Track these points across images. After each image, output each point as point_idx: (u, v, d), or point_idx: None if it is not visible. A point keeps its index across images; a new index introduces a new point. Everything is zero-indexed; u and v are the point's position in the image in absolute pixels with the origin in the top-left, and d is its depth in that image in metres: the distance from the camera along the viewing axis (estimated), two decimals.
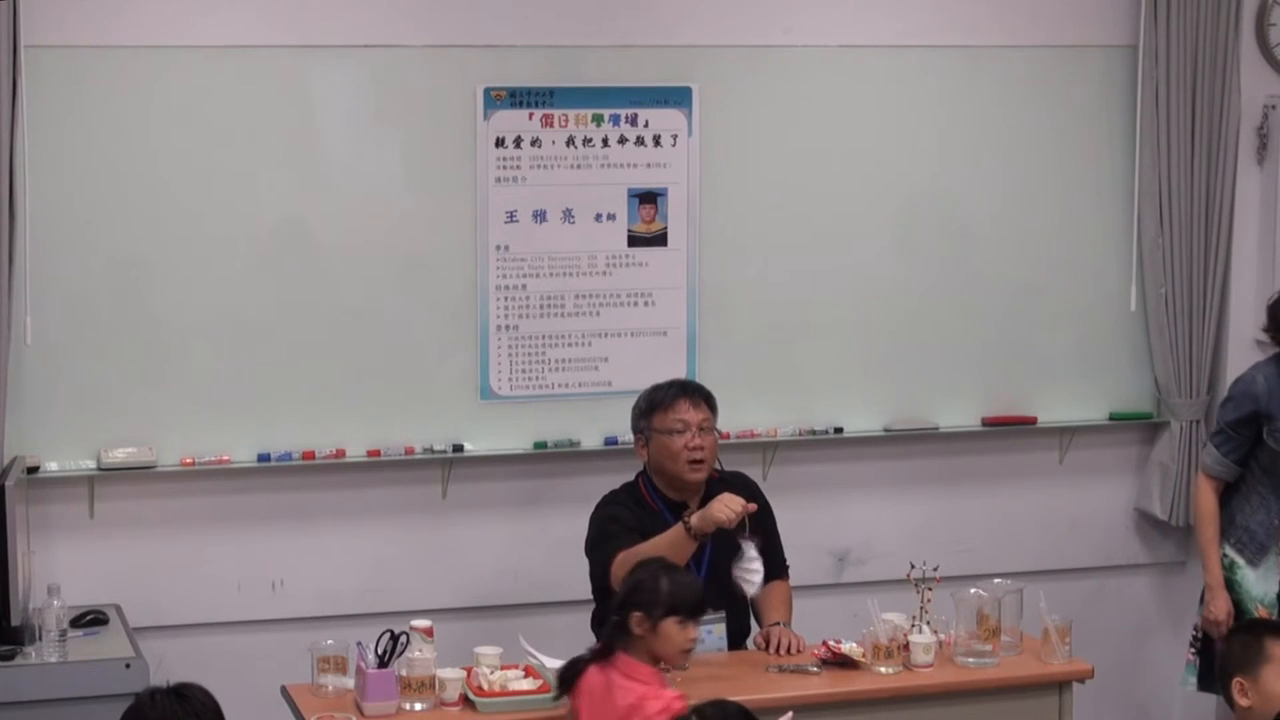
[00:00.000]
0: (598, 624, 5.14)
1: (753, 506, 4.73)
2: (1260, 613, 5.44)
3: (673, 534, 4.76)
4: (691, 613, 4.39)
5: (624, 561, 4.76)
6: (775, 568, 5.15)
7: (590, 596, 5.16)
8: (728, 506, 4.67)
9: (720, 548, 4.89)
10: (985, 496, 6.21)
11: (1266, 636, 4.09)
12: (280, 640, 5.42)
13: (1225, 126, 6.10)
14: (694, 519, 4.70)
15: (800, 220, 5.89)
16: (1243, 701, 4.03)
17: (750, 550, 4.77)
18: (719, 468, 5.13)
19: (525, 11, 5.62)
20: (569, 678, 4.43)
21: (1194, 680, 5.62)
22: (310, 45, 5.45)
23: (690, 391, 5.08)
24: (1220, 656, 4.17)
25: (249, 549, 5.55)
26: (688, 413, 5.01)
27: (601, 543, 4.94)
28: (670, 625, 4.36)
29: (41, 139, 5.21)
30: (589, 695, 4.38)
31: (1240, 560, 5.49)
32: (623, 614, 4.38)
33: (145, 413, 5.39)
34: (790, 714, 4.18)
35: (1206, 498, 5.56)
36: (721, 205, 5.81)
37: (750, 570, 4.76)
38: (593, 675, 4.39)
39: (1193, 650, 5.63)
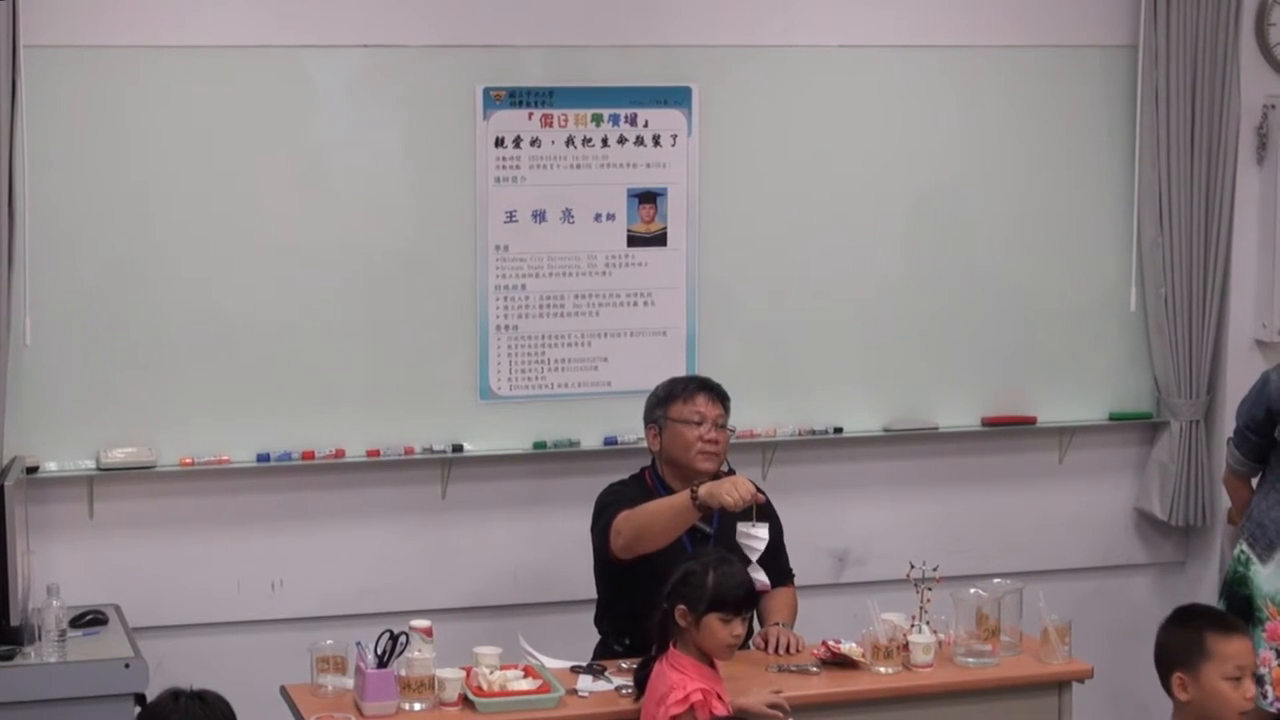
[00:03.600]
0: (601, 619, 5.16)
1: (761, 498, 4.75)
2: (1270, 611, 5.44)
3: (678, 499, 4.80)
4: (736, 609, 4.37)
5: (626, 519, 4.86)
6: (781, 575, 5.17)
7: (591, 596, 5.18)
8: (736, 489, 4.69)
9: (725, 531, 4.92)
10: (985, 496, 6.21)
11: (1207, 631, 4.03)
12: (280, 640, 5.41)
13: (1225, 126, 6.10)
14: (703, 490, 4.73)
15: (800, 220, 5.89)
16: (1182, 696, 3.99)
17: (759, 526, 4.87)
18: (729, 469, 5.14)
19: (525, 11, 5.62)
20: (641, 679, 4.46)
21: None
22: (310, 45, 5.45)
23: (710, 387, 5.12)
24: (1158, 646, 4.10)
25: (249, 549, 5.55)
26: (706, 406, 5.06)
27: (603, 514, 5.00)
28: (713, 621, 4.35)
29: (41, 139, 5.21)
30: (649, 690, 4.40)
31: (1253, 555, 5.49)
32: (669, 605, 4.37)
33: (145, 413, 5.39)
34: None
35: (1236, 491, 5.68)
36: (721, 205, 5.81)
37: (754, 537, 4.85)
38: (654, 671, 4.41)
39: None
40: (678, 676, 4.32)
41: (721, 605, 4.34)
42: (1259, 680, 5.44)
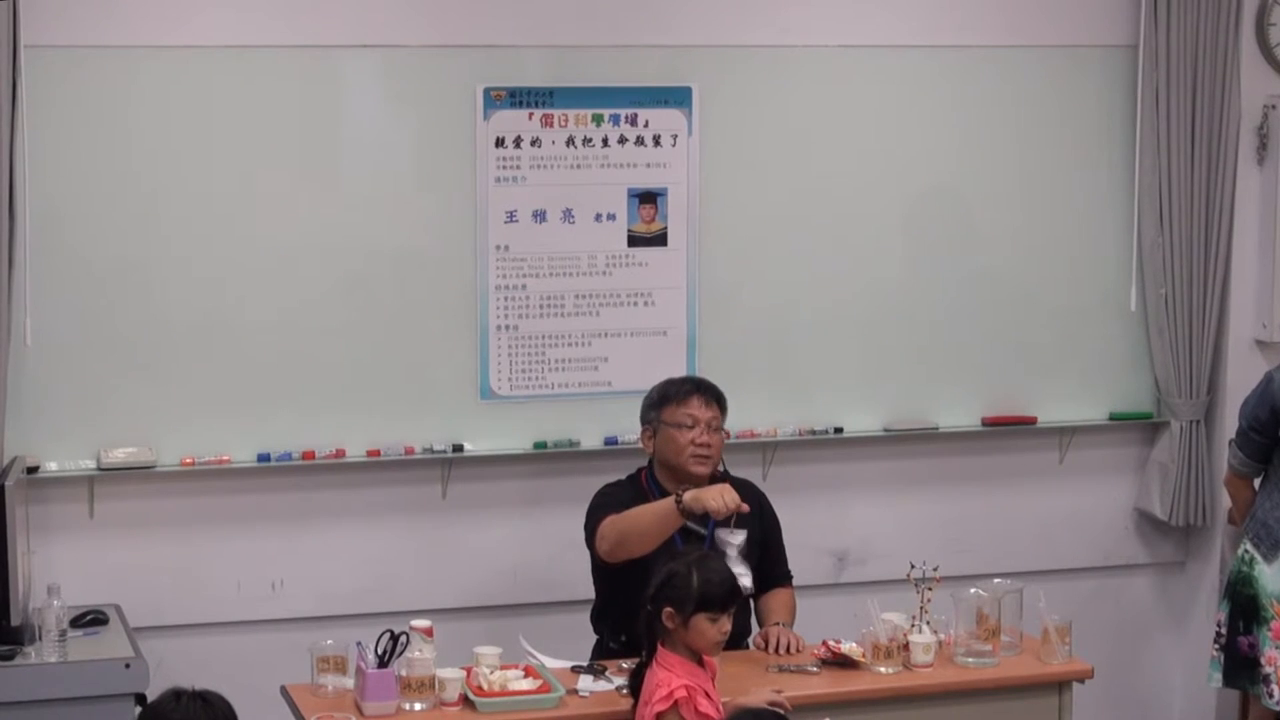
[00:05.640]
0: (597, 619, 5.15)
1: (745, 508, 4.76)
2: (1276, 610, 5.45)
3: (662, 505, 4.81)
4: (723, 606, 4.36)
5: (611, 524, 4.87)
6: (779, 575, 5.18)
7: (592, 596, 5.18)
8: (722, 496, 4.70)
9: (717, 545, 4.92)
10: (985, 496, 6.21)
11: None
12: (280, 640, 5.42)
13: (1225, 126, 6.10)
14: (687, 495, 4.74)
15: (800, 220, 5.89)
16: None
17: (736, 533, 4.91)
18: (724, 469, 5.15)
19: (525, 11, 5.62)
20: (634, 686, 4.45)
21: (1219, 676, 5.61)
22: (310, 45, 5.45)
23: (704, 389, 5.10)
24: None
25: (249, 549, 5.55)
26: (699, 409, 5.04)
27: (592, 516, 5.00)
28: (701, 620, 4.34)
29: (41, 139, 5.21)
30: (643, 694, 4.39)
31: (1257, 555, 5.49)
32: (655, 607, 4.37)
33: (145, 413, 5.39)
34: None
35: (1239, 492, 5.70)
36: (721, 205, 5.81)
37: (730, 539, 4.89)
38: (646, 675, 4.40)
39: (1216, 646, 5.61)
40: (664, 674, 4.32)
41: (709, 604, 4.34)
42: (1266, 679, 5.45)
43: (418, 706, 4.51)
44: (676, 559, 4.46)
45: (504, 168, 5.62)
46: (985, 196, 6.07)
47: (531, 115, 5.62)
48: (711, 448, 5.03)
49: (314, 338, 5.52)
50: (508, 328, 5.68)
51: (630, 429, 5.55)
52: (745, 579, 4.93)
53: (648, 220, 5.76)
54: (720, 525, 4.89)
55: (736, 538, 4.96)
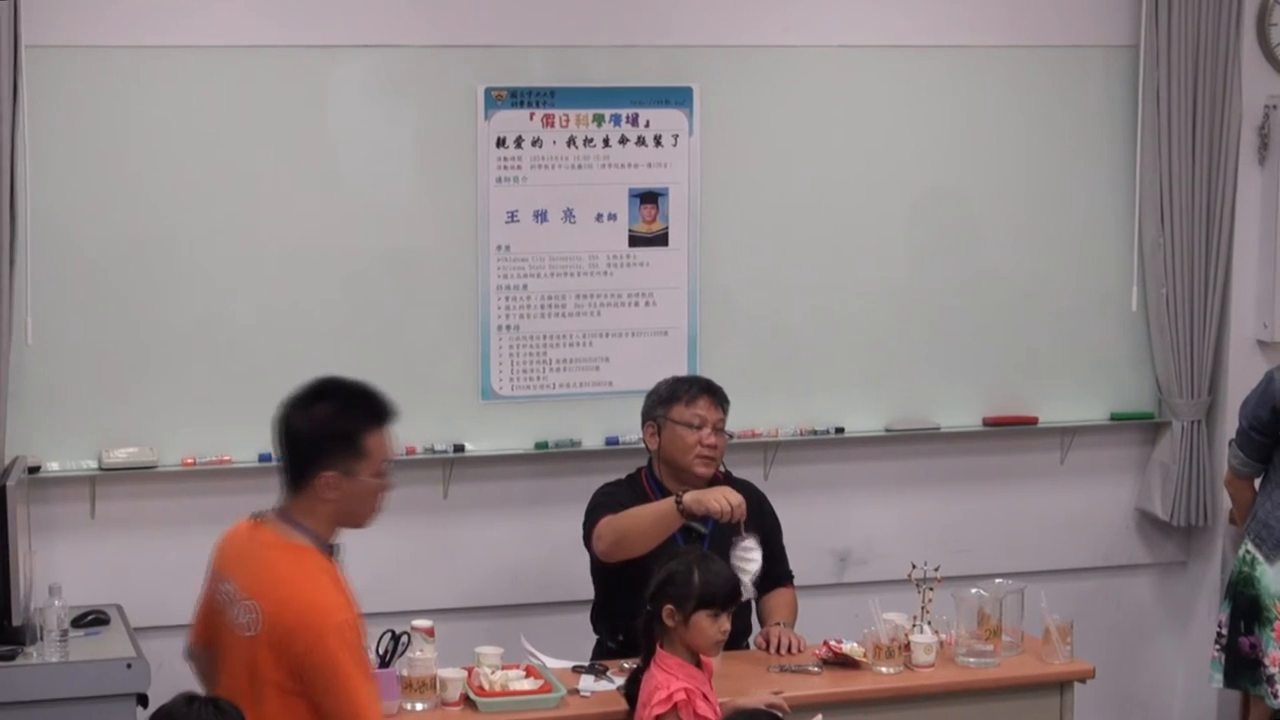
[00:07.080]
0: (597, 618, 5.15)
1: (743, 514, 4.73)
2: (1278, 609, 5.44)
3: (661, 506, 4.81)
4: (724, 604, 4.36)
5: (608, 524, 4.86)
6: (780, 576, 5.17)
7: (591, 596, 5.18)
8: (725, 498, 4.70)
9: (718, 543, 4.90)
10: (986, 497, 6.21)
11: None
12: None
13: (1226, 126, 6.10)
14: (687, 496, 4.74)
15: (801, 220, 5.89)
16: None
17: (749, 540, 4.80)
18: (725, 470, 5.15)
19: (526, 11, 5.62)
20: (631, 691, 4.44)
21: (1220, 677, 5.62)
22: (311, 45, 5.45)
23: (713, 391, 5.12)
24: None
25: None
26: (707, 410, 5.05)
27: (590, 516, 5.00)
28: (702, 618, 4.33)
29: (41, 139, 5.21)
30: (641, 696, 4.38)
31: (1259, 555, 5.49)
32: (655, 605, 4.37)
33: (146, 413, 5.39)
34: (819, 716, 4.25)
35: (1239, 492, 5.69)
36: (722, 205, 5.81)
37: (747, 558, 4.79)
38: (644, 677, 4.39)
39: (1217, 647, 5.62)
40: (663, 676, 4.32)
41: (709, 602, 4.34)
42: (1270, 679, 5.44)
43: (419, 706, 4.51)
44: (677, 559, 4.46)
45: (505, 168, 5.62)
46: (986, 196, 6.07)
47: (532, 115, 5.62)
48: (717, 449, 5.03)
49: (315, 338, 5.52)
50: (509, 328, 5.68)
51: (631, 429, 5.55)
52: (755, 564, 4.91)
53: (649, 220, 5.76)
54: (731, 532, 4.86)
55: (754, 553, 4.88)
